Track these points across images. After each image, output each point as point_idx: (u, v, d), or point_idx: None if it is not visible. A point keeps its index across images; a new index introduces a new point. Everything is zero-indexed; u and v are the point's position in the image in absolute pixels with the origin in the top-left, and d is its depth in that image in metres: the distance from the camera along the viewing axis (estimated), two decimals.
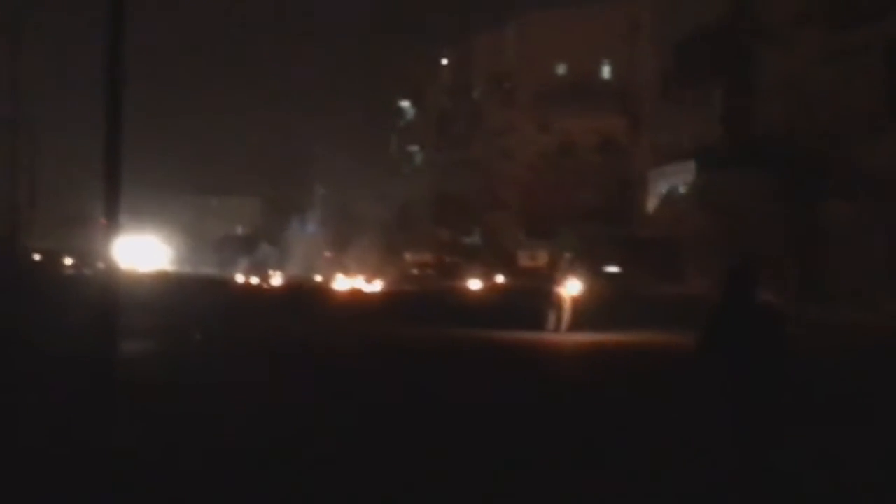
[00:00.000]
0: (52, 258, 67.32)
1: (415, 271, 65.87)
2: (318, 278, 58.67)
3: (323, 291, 48.70)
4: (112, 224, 16.34)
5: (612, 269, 52.07)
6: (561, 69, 66.45)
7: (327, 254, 72.62)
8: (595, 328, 27.21)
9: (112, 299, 16.31)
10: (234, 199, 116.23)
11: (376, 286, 51.29)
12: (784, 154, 42.71)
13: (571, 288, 28.06)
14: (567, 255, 34.75)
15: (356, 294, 47.35)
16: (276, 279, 57.99)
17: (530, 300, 30.44)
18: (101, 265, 19.14)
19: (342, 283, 52.44)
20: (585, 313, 28.01)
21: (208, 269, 73.80)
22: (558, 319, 27.58)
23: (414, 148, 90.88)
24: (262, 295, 47.23)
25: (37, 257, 65.56)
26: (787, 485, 8.55)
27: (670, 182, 54.46)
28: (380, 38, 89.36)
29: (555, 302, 27.87)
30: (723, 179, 47.46)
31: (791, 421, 8.52)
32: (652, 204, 56.51)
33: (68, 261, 67.25)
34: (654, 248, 52.49)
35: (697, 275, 48.38)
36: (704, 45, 49.65)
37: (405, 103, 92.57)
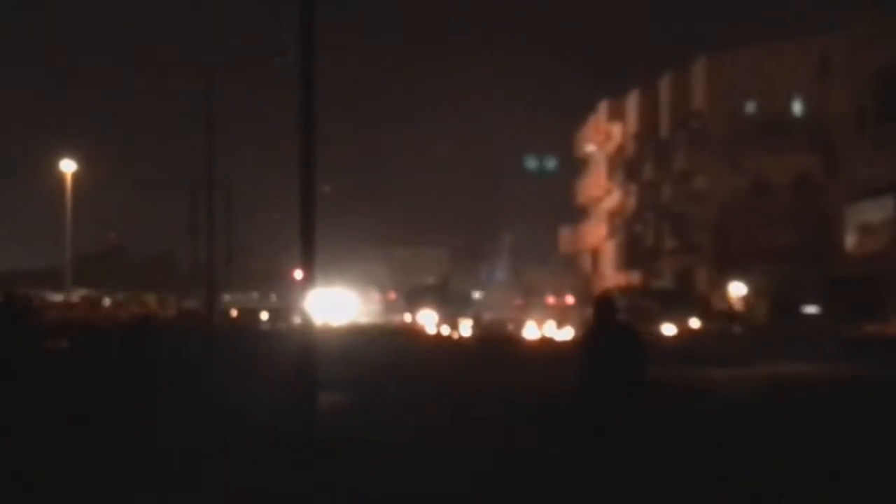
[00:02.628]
0: (249, 314, 68.88)
1: None
2: (509, 326, 58.52)
3: (513, 340, 48.40)
4: (307, 278, 16.42)
5: (810, 309, 50.87)
6: (750, 107, 65.15)
7: (517, 301, 72.61)
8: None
9: (309, 353, 16.40)
10: (422, 250, 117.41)
11: (567, 333, 50.81)
12: None
13: None
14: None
15: (547, 342, 46.93)
16: (466, 328, 58.05)
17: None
18: (296, 319, 19.39)
19: (532, 330, 52.10)
20: None
21: (399, 320, 74.45)
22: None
23: (601, 192, 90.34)
24: (453, 344, 47.26)
25: (234, 313, 67.17)
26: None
27: (868, 218, 53.01)
28: (565, 84, 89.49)
29: None
30: None
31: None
32: (849, 241, 55.00)
33: (264, 316, 68.67)
34: (854, 287, 51.00)
35: None
36: None
37: (591, 147, 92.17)
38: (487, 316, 67.72)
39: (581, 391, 10.30)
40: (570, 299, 70.07)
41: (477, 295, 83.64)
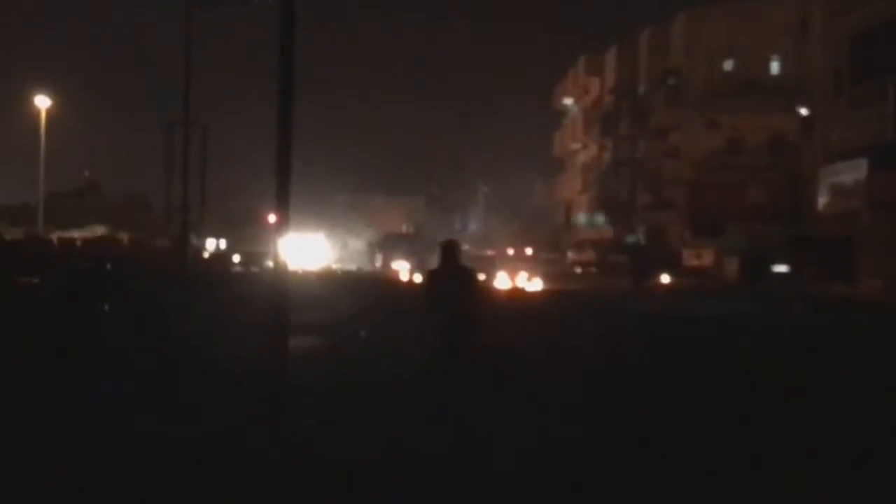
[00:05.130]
0: (221, 256, 68.94)
1: (578, 270, 65.45)
2: (481, 276, 58.64)
3: (485, 290, 48.53)
4: (281, 223, 16.51)
5: (780, 268, 51.15)
6: (728, 65, 65.29)
7: (489, 252, 72.77)
8: None
9: (281, 297, 16.46)
10: (398, 199, 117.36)
11: (537, 285, 51.09)
12: None
13: None
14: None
15: (518, 293, 47.15)
16: None
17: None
18: (269, 263, 19.48)
19: (503, 281, 52.32)
20: None
21: (373, 267, 74.60)
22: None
23: (577, 146, 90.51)
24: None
25: (206, 255, 67.18)
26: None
27: (841, 180, 53.15)
28: (545, 37, 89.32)
29: None
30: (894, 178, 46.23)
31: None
32: (822, 202, 55.22)
33: (236, 258, 68.75)
34: (824, 248, 51.29)
35: (869, 275, 47.18)
36: (880, 38, 48.26)
37: (568, 101, 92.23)
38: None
39: (426, 318, 12.79)
40: (528, 251, 70.34)
41: None
